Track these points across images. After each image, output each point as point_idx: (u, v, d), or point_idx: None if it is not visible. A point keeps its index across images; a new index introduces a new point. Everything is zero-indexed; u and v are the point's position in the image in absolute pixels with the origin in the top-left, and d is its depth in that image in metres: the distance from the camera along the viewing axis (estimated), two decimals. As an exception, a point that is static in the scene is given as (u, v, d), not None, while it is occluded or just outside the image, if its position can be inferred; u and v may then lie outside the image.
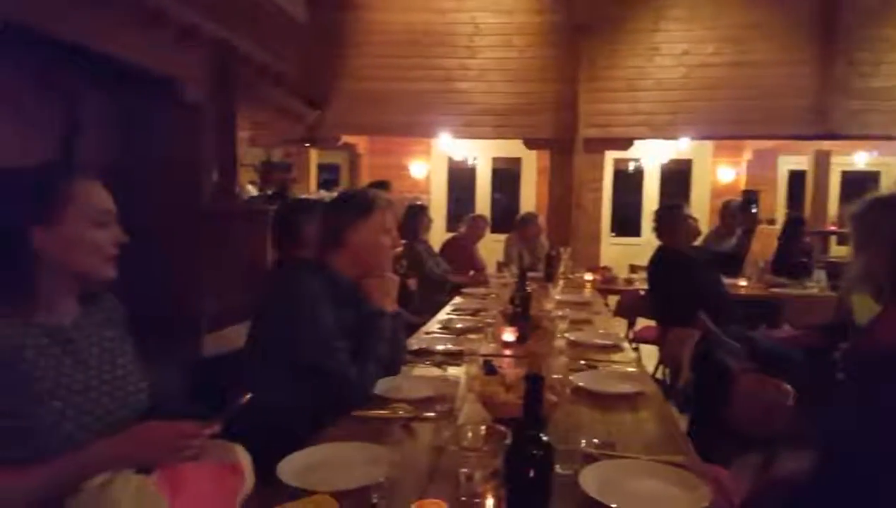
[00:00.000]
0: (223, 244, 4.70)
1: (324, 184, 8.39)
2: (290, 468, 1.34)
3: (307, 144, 7.53)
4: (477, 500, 1.16)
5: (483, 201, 10.25)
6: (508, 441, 1.13)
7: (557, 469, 1.33)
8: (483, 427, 1.30)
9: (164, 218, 4.04)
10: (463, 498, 1.20)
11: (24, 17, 3.18)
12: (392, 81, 7.10)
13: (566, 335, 2.70)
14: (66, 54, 3.62)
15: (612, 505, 1.23)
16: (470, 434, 1.27)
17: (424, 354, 2.46)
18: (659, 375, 4.24)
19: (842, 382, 1.97)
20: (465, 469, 1.22)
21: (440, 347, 2.55)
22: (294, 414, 1.70)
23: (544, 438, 1.08)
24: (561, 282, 4.48)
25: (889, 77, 6.61)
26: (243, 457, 1.29)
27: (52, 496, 1.13)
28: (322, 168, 9.05)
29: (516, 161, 10.12)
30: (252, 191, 5.54)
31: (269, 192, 5.34)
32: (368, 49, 7.11)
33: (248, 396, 1.32)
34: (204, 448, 1.26)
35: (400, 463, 1.35)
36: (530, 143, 7.47)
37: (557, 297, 3.72)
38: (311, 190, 7.49)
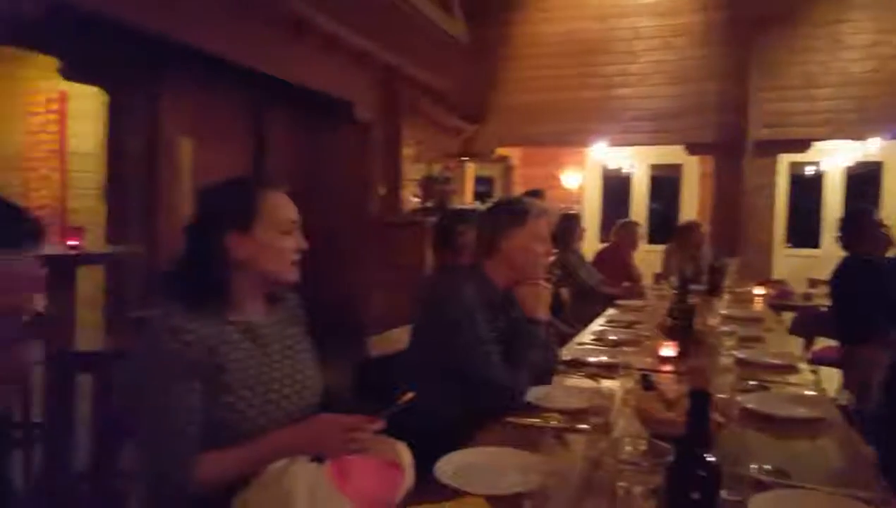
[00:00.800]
0: (387, 252, 5.06)
1: (479, 196, 8.57)
2: (447, 468, 1.39)
3: (464, 158, 7.76)
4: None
5: (639, 210, 9.86)
6: (671, 458, 1.09)
7: (725, 495, 1.25)
8: (643, 441, 1.26)
9: (335, 227, 4.41)
10: (620, 514, 1.18)
11: (226, 52, 3.64)
12: (549, 92, 7.10)
13: (733, 352, 2.52)
14: (255, 79, 4.09)
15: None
16: (629, 448, 1.24)
17: (577, 365, 2.41)
18: (842, 401, 3.80)
19: None
20: (622, 484, 1.19)
21: (593, 359, 2.49)
22: (449, 416, 1.77)
23: (711, 459, 1.03)
24: (727, 296, 4.19)
25: None
26: (406, 455, 1.37)
27: (243, 476, 1.28)
28: (478, 180, 9.24)
29: (676, 167, 9.62)
30: (414, 203, 5.83)
31: (430, 204, 5.58)
32: (526, 62, 7.18)
33: (411, 395, 1.40)
34: (370, 443, 1.36)
35: (554, 473, 1.35)
36: (692, 148, 7.08)
37: (723, 312, 3.49)
38: (467, 202, 7.70)
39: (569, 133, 7.29)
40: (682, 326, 2.67)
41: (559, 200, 9.19)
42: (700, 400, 1.02)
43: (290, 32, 4.13)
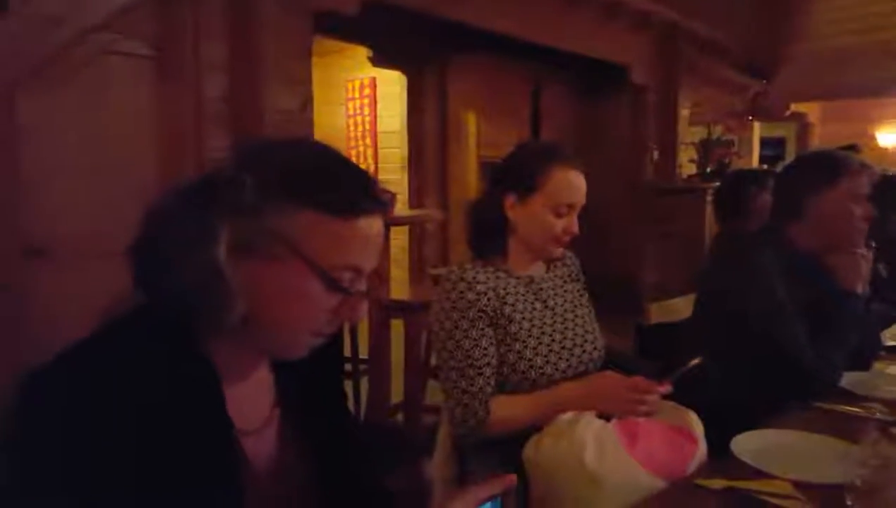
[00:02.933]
0: (663, 219, 4.94)
1: (766, 160, 7.68)
2: (747, 446, 1.28)
3: (750, 118, 7.02)
4: None
5: None
6: None
7: None
8: None
9: (609, 194, 4.39)
10: None
11: (511, 29, 3.84)
12: (857, 35, 6.02)
13: None
14: (534, 52, 4.22)
15: None
16: None
17: (905, 353, 2.04)
18: None
19: None
20: None
21: (926, 347, 2.08)
22: (741, 393, 1.62)
23: None
24: None
25: None
26: (697, 425, 1.30)
27: (531, 421, 1.35)
28: (765, 142, 8.28)
29: None
30: (691, 168, 5.47)
31: (709, 169, 5.18)
32: (824, 4, 6.18)
33: (698, 360, 1.34)
34: (657, 408, 1.31)
35: (881, 468, 1.15)
36: None
37: None
38: (753, 166, 6.96)
39: (885, 82, 6.11)
40: None
41: (873, 162, 7.82)
42: None
43: (569, 3, 4.15)
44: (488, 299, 1.42)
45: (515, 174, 1.48)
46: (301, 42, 2.68)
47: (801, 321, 1.72)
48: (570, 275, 1.62)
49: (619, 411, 1.31)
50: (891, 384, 1.69)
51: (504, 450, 1.35)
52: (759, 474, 1.18)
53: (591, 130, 5.00)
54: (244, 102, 2.49)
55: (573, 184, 1.46)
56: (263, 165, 0.78)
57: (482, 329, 1.40)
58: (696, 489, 1.16)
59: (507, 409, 1.39)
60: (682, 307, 2.20)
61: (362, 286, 0.82)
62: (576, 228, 1.47)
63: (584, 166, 1.49)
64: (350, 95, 6.12)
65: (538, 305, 1.50)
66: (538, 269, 1.55)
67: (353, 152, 6.06)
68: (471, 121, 4.64)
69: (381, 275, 2.82)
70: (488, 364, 1.40)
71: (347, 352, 3.12)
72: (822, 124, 8.57)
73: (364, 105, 6.03)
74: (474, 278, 1.43)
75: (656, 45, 5.03)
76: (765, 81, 6.54)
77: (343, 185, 0.80)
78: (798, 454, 1.27)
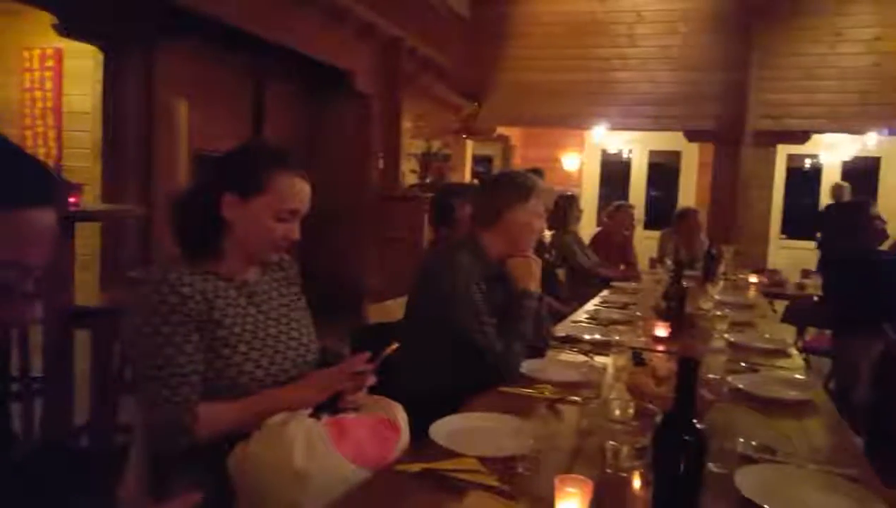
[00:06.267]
0: (386, 225, 5.11)
1: (477, 175, 8.58)
2: (442, 430, 1.42)
3: (464, 136, 7.74)
4: (623, 475, 1.16)
5: (637, 196, 9.87)
6: (658, 419, 1.11)
7: (711, 467, 1.28)
8: (632, 403, 1.29)
9: (334, 198, 4.40)
10: (609, 471, 1.20)
11: (231, 17, 3.63)
12: (550, 73, 7.06)
13: (725, 335, 2.55)
14: (257, 46, 4.07)
15: (766, 506, 1.16)
16: (618, 410, 1.27)
17: (571, 342, 2.44)
18: (831, 388, 3.86)
19: None
20: (612, 443, 1.22)
21: (587, 336, 2.51)
22: (444, 383, 1.79)
23: (698, 425, 1.05)
24: (721, 282, 4.22)
25: None
26: (401, 415, 1.40)
27: (242, 429, 1.30)
28: (476, 159, 9.22)
29: (675, 154, 9.62)
30: (413, 178, 5.84)
31: (428, 180, 5.60)
32: (528, 41, 7.13)
33: (396, 345, 1.44)
34: (367, 403, 1.38)
35: (546, 438, 1.37)
36: (692, 135, 7.09)
37: (716, 297, 3.51)
38: (465, 180, 7.69)
39: (568, 115, 7.27)
40: (674, 308, 2.70)
41: (558, 182, 9.20)
42: (688, 366, 1.05)
43: (295, 1, 4.10)
44: (195, 303, 1.33)
45: (238, 173, 1.41)
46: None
47: (493, 318, 1.96)
48: (286, 279, 1.59)
49: (327, 394, 1.37)
50: (560, 368, 2.01)
51: (209, 459, 1.29)
52: (451, 454, 1.31)
53: (317, 133, 5.00)
54: None
55: (299, 190, 1.44)
56: None
57: (187, 334, 1.32)
58: (397, 474, 1.26)
59: (215, 417, 1.32)
60: (398, 308, 2.33)
61: (28, 286, 0.72)
62: (297, 235, 1.45)
63: (310, 174, 1.47)
64: (28, 66, 5.28)
65: (251, 310, 1.45)
66: (253, 273, 1.50)
67: (30, 133, 5.24)
68: (183, 111, 4.19)
69: (61, 278, 2.44)
70: (194, 371, 1.32)
71: (15, 369, 2.66)
72: (522, 147, 9.85)
73: (46, 79, 5.24)
74: (179, 280, 1.33)
75: (379, 56, 5.23)
76: (476, 104, 7.26)
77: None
78: (483, 433, 1.44)
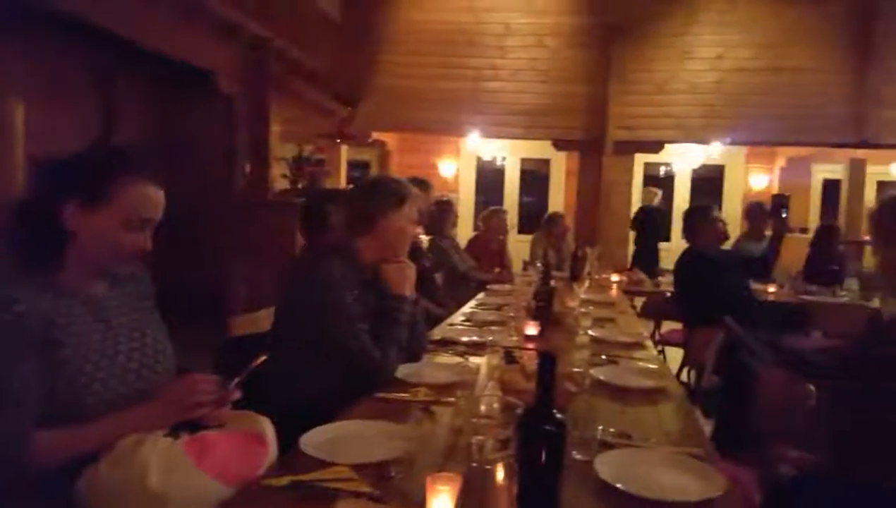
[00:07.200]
0: (254, 232, 4.86)
1: (353, 181, 8.50)
2: (313, 441, 1.39)
3: (338, 140, 7.63)
4: (488, 467, 1.19)
5: (511, 201, 10.25)
6: (521, 411, 1.16)
7: (575, 455, 1.36)
8: (497, 398, 1.33)
9: (197, 205, 4.15)
10: (474, 465, 1.24)
11: (72, 7, 3.31)
12: (424, 80, 7.15)
13: (589, 331, 2.70)
14: (104, 41, 3.75)
15: (619, 486, 1.24)
16: (483, 406, 1.30)
17: (447, 344, 2.48)
18: (684, 378, 4.20)
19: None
20: (478, 437, 1.26)
21: (464, 338, 2.57)
22: (318, 393, 1.75)
23: (557, 415, 1.10)
24: (587, 282, 4.47)
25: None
26: (268, 429, 1.35)
27: (91, 452, 1.20)
28: (352, 165, 9.14)
29: (545, 162, 10.10)
30: (284, 183, 5.66)
31: (300, 185, 5.45)
32: (401, 47, 7.17)
33: (263, 358, 1.39)
34: (233, 418, 1.32)
35: (418, 441, 1.38)
36: (560, 144, 7.46)
37: (582, 296, 3.72)
38: (341, 185, 7.58)
39: (442, 122, 7.40)
40: (543, 307, 2.83)
41: (435, 188, 9.33)
42: (548, 360, 1.10)
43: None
44: (31, 322, 1.20)
45: (82, 180, 1.29)
46: None
47: (367, 324, 1.95)
48: (137, 293, 1.47)
49: (185, 413, 1.28)
50: (435, 370, 2.04)
51: (53, 488, 1.17)
52: (322, 464, 1.29)
53: (177, 135, 4.60)
54: None
55: (150, 198, 1.34)
56: None
57: (20, 357, 1.18)
58: (264, 489, 1.21)
59: (59, 444, 1.20)
60: (267, 318, 2.25)
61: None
62: (148, 245, 1.35)
63: (168, 178, 1.37)
64: None
65: (99, 326, 1.32)
66: (100, 286, 1.37)
67: None
68: (18, 110, 3.74)
69: None
70: (27, 397, 1.18)
71: None
72: (398, 153, 9.89)
73: None
74: (12, 296, 1.20)
75: (244, 56, 4.99)
76: (350, 108, 7.18)
77: None
78: (356, 440, 1.43)
